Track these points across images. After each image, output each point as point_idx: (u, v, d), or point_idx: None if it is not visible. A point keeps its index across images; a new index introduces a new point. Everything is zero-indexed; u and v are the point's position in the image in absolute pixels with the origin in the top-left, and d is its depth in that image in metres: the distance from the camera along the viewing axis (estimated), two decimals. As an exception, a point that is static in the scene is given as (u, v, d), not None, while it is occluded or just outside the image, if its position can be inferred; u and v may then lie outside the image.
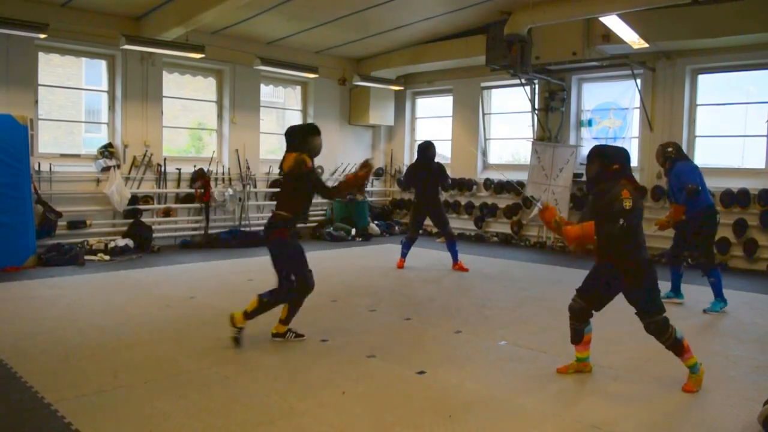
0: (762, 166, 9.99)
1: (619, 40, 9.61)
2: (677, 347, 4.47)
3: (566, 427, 3.82)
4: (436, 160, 9.44)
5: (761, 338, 5.92)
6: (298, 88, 13.78)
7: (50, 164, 9.78)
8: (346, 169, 14.22)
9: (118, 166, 10.39)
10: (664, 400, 4.33)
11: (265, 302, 5.33)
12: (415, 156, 9.56)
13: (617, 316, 6.65)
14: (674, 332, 4.47)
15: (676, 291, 7.42)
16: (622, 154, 4.60)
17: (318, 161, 13.74)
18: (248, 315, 5.28)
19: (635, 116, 11.24)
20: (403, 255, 9.51)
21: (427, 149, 9.33)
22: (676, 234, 7.35)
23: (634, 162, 11.16)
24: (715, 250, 7.35)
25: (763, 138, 9.97)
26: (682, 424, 3.90)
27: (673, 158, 7.07)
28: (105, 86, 10.83)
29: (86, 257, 9.34)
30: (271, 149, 13.78)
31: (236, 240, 11.34)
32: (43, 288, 7.52)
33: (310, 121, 13.74)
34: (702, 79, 10.63)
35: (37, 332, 5.60)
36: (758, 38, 9.39)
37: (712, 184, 10.12)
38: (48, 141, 10.41)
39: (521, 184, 12.34)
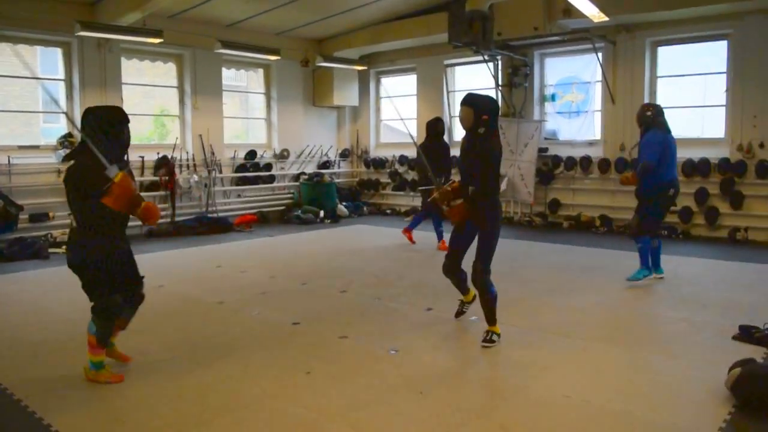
0: (721, 135, 10.18)
1: (580, 15, 9.67)
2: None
3: (537, 397, 3.88)
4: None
5: (724, 304, 6.07)
6: (261, 70, 13.63)
7: (8, 157, 9.55)
8: (312, 151, 14.17)
9: (79, 156, 10.18)
10: (631, 367, 4.43)
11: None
12: (424, 135, 9.30)
13: (585, 287, 6.78)
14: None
15: (655, 266, 7.05)
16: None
17: (283, 144, 13.71)
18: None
19: (597, 89, 11.36)
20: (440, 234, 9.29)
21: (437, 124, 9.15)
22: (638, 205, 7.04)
23: (596, 136, 11.38)
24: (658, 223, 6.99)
25: (722, 108, 10.15)
26: (650, 391, 3.98)
27: (649, 124, 6.73)
28: (62, 75, 10.58)
29: (50, 250, 9.17)
30: (236, 134, 13.65)
31: (203, 227, 11.24)
32: (7, 283, 7.37)
33: (273, 103, 13.64)
34: (661, 51, 10.77)
35: (2, 328, 5.50)
36: (715, 9, 9.52)
37: (674, 154, 10.35)
38: (5, 133, 10.16)
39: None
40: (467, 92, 4.92)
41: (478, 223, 4.90)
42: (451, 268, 5.25)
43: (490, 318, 4.91)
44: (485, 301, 4.88)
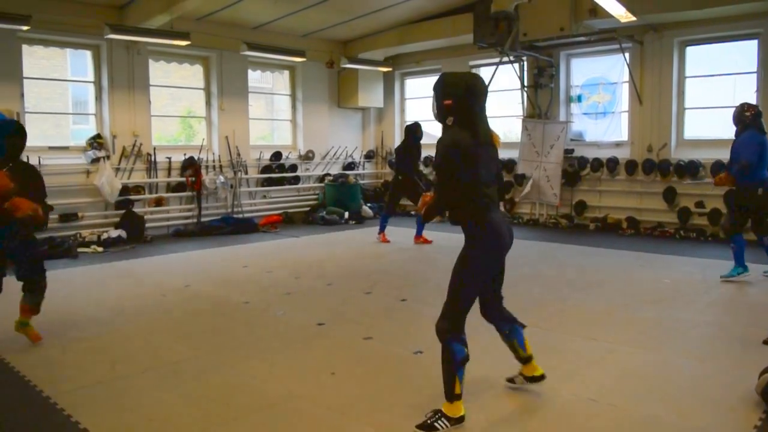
0: (752, 136, 10.01)
1: (607, 15, 9.57)
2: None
3: (563, 401, 3.85)
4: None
5: (753, 307, 5.98)
6: (286, 72, 13.70)
7: (39, 157, 9.70)
8: (336, 152, 14.20)
9: (108, 157, 10.34)
10: (659, 372, 4.37)
11: None
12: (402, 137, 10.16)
13: (611, 289, 6.71)
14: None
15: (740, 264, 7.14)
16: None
17: (308, 145, 13.76)
18: None
19: (624, 90, 11.24)
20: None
21: (416, 130, 9.86)
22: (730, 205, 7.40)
23: (623, 137, 11.25)
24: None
25: (752, 108, 9.98)
26: (678, 395, 3.93)
27: (746, 124, 6.87)
28: (91, 77, 10.74)
29: (79, 249, 9.30)
30: (261, 135, 13.74)
31: (229, 227, 11.32)
32: (37, 282, 7.48)
33: (298, 105, 13.71)
34: (690, 51, 10.62)
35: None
36: (744, 8, 9.37)
37: (703, 155, 10.24)
38: (36, 134, 10.32)
39: (512, 161, 12.37)
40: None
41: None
42: (484, 312, 3.92)
43: (447, 391, 3.49)
44: (443, 363, 3.51)
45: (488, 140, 3.53)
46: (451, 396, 3.48)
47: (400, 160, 9.90)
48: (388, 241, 10.09)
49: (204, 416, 3.68)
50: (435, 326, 3.54)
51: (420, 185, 9.71)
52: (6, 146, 4.78)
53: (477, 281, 3.56)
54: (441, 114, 3.50)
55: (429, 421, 3.47)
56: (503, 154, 12.50)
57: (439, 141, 3.45)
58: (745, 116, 6.90)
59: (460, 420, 3.48)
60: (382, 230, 10.24)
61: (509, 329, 3.90)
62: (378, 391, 4.03)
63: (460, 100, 3.43)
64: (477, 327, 4.81)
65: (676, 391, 4.01)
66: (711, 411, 3.73)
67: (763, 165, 6.81)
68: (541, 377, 3.92)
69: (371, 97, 14.36)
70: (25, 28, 9.06)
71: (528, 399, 3.92)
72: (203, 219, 11.54)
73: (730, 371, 4.31)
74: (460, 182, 3.38)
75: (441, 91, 3.50)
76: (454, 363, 3.45)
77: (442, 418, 3.47)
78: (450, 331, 3.49)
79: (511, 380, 4.03)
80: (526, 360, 3.93)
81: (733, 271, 7.07)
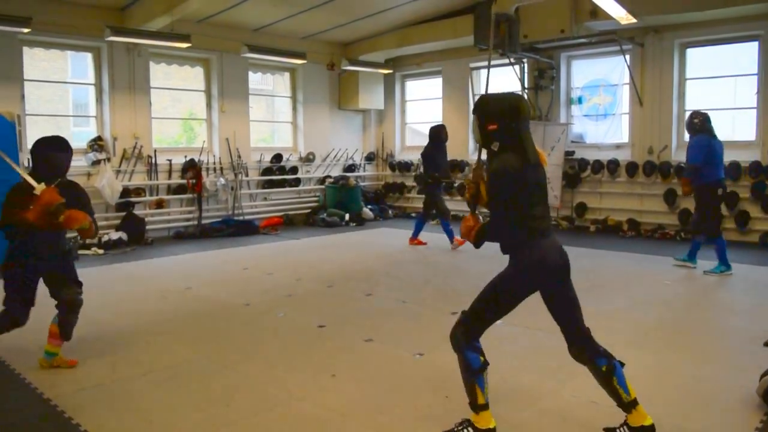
0: (752, 138, 10.02)
1: (607, 16, 9.58)
2: None
3: (564, 403, 3.85)
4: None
5: (755, 309, 5.97)
6: (287, 74, 13.71)
7: (40, 159, 9.71)
8: (337, 154, 14.21)
9: (108, 159, 10.34)
10: (660, 373, 4.37)
11: None
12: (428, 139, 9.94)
13: (612, 292, 6.71)
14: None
15: (691, 256, 7.93)
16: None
17: (308, 147, 13.77)
18: None
19: (625, 92, 11.25)
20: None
21: (441, 132, 9.90)
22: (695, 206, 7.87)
23: (624, 139, 11.25)
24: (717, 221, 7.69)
25: (752, 110, 9.99)
26: (679, 397, 3.93)
27: (696, 129, 7.55)
28: (91, 79, 10.74)
29: (80, 252, 9.30)
30: (262, 137, 13.75)
31: (230, 229, 11.32)
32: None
33: (299, 107, 13.72)
34: (690, 52, 10.63)
35: (32, 329, 5.56)
36: (746, 10, 9.38)
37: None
38: (36, 136, 10.22)
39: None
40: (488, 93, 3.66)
41: None
42: (571, 351, 3.53)
43: (471, 401, 3.38)
44: (462, 373, 3.41)
45: (537, 161, 3.34)
46: (476, 407, 3.35)
47: (428, 165, 9.74)
48: (425, 243, 10.04)
49: (205, 418, 3.68)
50: (452, 332, 3.42)
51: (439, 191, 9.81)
52: (54, 163, 4.74)
53: (504, 300, 3.37)
54: (486, 139, 3.33)
55: (456, 430, 3.40)
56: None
57: (493, 164, 3.26)
58: (695, 123, 7.58)
59: None
60: (451, 236, 9.62)
61: (606, 366, 3.38)
62: (378, 393, 4.03)
63: (506, 123, 3.28)
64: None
65: (677, 392, 4.01)
66: (712, 413, 3.73)
67: (716, 165, 7.42)
68: (651, 428, 3.28)
69: (372, 98, 14.36)
70: (25, 30, 9.06)
71: (528, 400, 3.91)
72: (204, 221, 11.54)
73: (731, 373, 4.30)
74: (510, 210, 3.22)
75: (484, 115, 3.33)
76: (471, 372, 3.34)
77: (469, 428, 3.38)
78: (462, 339, 3.36)
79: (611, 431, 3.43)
80: (629, 405, 3.33)
81: (716, 269, 7.57)
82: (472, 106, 13.09)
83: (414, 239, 10.10)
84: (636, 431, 3.29)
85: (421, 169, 13.84)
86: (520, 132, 3.30)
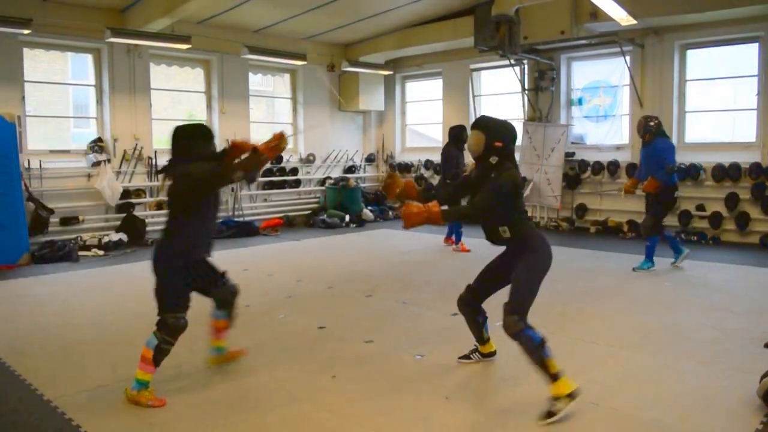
0: (752, 139, 10.02)
1: (607, 18, 9.58)
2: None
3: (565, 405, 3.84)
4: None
5: (755, 311, 5.97)
6: (287, 75, 13.72)
7: (40, 161, 9.72)
8: (337, 155, 14.21)
9: (109, 161, 10.35)
10: (660, 375, 4.36)
11: None
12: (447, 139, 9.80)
13: (612, 293, 6.71)
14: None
15: (677, 251, 7.98)
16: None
17: (309, 148, 13.76)
18: None
19: (625, 93, 11.25)
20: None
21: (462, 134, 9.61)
22: (648, 205, 8.04)
23: (624, 140, 11.26)
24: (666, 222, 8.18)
25: (752, 111, 9.99)
26: (679, 399, 3.93)
27: (654, 132, 7.66)
28: (92, 80, 10.75)
29: (80, 253, 9.31)
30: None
31: (230, 230, 11.32)
32: (38, 285, 7.50)
33: (299, 108, 13.72)
34: (691, 54, 10.63)
35: (34, 330, 5.59)
36: (746, 11, 9.37)
37: (704, 158, 10.27)
38: (37, 137, 10.33)
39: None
40: (485, 111, 4.27)
41: (516, 260, 4.05)
42: (465, 301, 4.45)
43: (546, 375, 3.72)
44: (528, 354, 3.79)
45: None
46: (552, 377, 3.69)
47: (447, 165, 9.57)
48: (469, 251, 9.51)
49: (205, 420, 3.68)
50: (503, 325, 3.82)
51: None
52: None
53: (541, 280, 4.01)
54: (487, 152, 3.99)
55: (549, 410, 3.64)
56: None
57: (498, 175, 3.90)
58: (650, 126, 7.71)
59: (574, 394, 3.66)
60: (459, 239, 9.69)
61: (483, 319, 4.51)
62: (379, 394, 4.03)
63: (508, 143, 4.03)
64: (471, 335, 4.82)
65: (677, 394, 4.01)
66: (712, 414, 3.72)
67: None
68: (494, 353, 4.59)
69: (372, 100, 14.36)
70: (26, 31, 9.08)
71: (528, 401, 3.91)
72: (204, 222, 11.52)
73: (732, 375, 4.30)
74: (515, 208, 3.99)
75: (492, 133, 4.00)
76: (535, 347, 3.72)
77: (557, 400, 3.65)
78: (520, 321, 3.79)
79: (466, 357, 4.60)
80: (486, 341, 4.58)
81: (644, 265, 7.86)
82: (472, 108, 13.16)
83: (448, 238, 9.98)
84: (485, 356, 4.59)
85: (422, 171, 13.92)
86: (512, 152, 4.09)
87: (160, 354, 3.96)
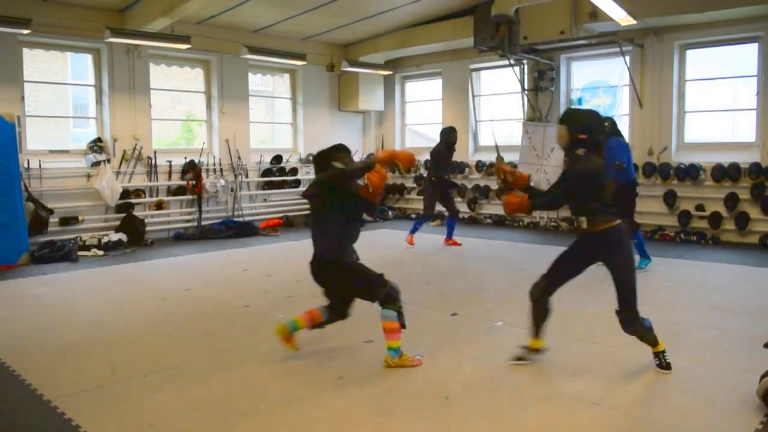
0: (752, 139, 10.02)
1: (607, 18, 9.58)
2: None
3: (565, 404, 3.85)
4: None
5: (755, 311, 5.97)
6: (287, 75, 13.72)
7: (39, 161, 9.72)
8: (337, 155, 14.17)
9: (108, 161, 10.34)
10: (660, 375, 4.36)
11: None
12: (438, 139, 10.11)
13: (612, 293, 6.70)
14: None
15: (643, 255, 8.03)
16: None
17: (308, 148, 13.74)
18: None
19: (625, 93, 11.24)
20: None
21: (452, 134, 10.02)
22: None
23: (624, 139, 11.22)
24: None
25: (752, 111, 9.99)
26: (679, 399, 3.93)
27: (608, 133, 7.72)
28: (92, 80, 10.75)
29: (80, 253, 9.30)
30: (262, 139, 13.74)
31: (230, 230, 11.32)
32: (38, 285, 7.50)
33: (299, 108, 13.71)
34: (690, 54, 10.63)
35: (33, 330, 5.59)
36: (746, 11, 9.38)
37: (704, 158, 10.25)
38: (36, 137, 10.33)
39: (513, 165, 12.37)
40: (566, 113, 4.45)
41: (599, 256, 4.33)
42: (543, 289, 4.51)
43: (652, 342, 4.37)
44: (647, 340, 4.34)
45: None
46: (656, 343, 4.36)
47: (436, 165, 9.87)
48: (413, 245, 10.00)
49: (205, 420, 3.68)
50: (623, 324, 4.25)
51: (450, 190, 10.04)
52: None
53: (633, 267, 4.30)
54: (573, 144, 4.16)
55: (662, 363, 4.31)
56: (504, 158, 12.60)
57: (581, 164, 4.11)
58: (604, 126, 7.60)
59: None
60: (413, 232, 10.11)
61: (549, 312, 4.56)
62: (378, 394, 4.03)
63: (596, 133, 4.16)
64: (478, 333, 4.82)
65: (676, 394, 4.01)
66: (712, 414, 3.72)
67: (631, 166, 7.86)
68: (544, 349, 4.58)
69: (372, 100, 14.36)
70: (25, 31, 9.08)
71: (528, 402, 3.91)
72: (204, 222, 11.54)
73: (731, 374, 4.30)
74: (589, 197, 4.12)
75: (575, 125, 4.16)
76: (649, 330, 4.30)
77: (662, 355, 4.35)
78: (636, 318, 4.24)
79: (520, 359, 4.53)
80: (540, 335, 4.55)
81: (642, 264, 7.85)
82: (472, 108, 13.16)
83: (449, 239, 10.15)
84: (536, 352, 4.54)
85: (422, 171, 13.92)
86: (600, 142, 4.20)
87: (402, 317, 4.48)
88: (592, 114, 4.32)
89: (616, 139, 7.86)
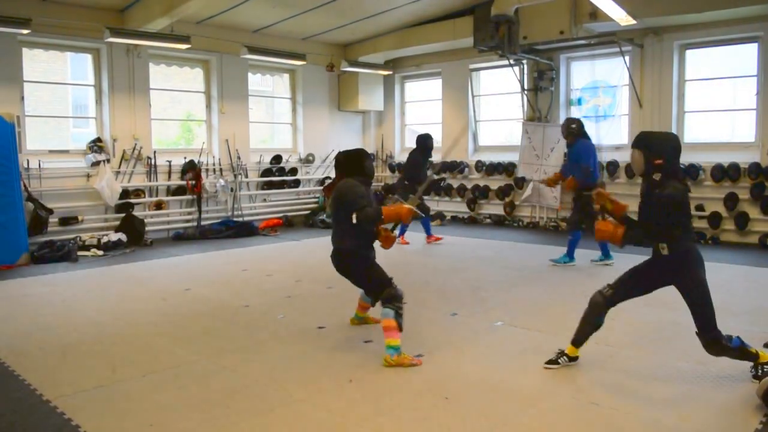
0: (752, 139, 10.02)
1: (607, 18, 9.58)
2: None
3: (565, 404, 3.85)
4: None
5: (754, 311, 5.97)
6: (286, 75, 13.71)
7: (39, 161, 9.72)
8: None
9: (108, 161, 10.34)
10: (659, 374, 4.37)
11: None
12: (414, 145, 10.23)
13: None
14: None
15: (605, 254, 8.36)
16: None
17: (308, 148, 13.75)
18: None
19: (624, 93, 11.24)
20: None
21: (428, 142, 10.16)
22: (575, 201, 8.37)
23: (623, 140, 11.26)
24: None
25: (752, 111, 9.99)
26: (678, 398, 3.93)
27: (575, 134, 8.07)
28: (91, 80, 10.75)
29: (79, 253, 9.30)
30: (261, 138, 13.74)
31: (229, 230, 11.32)
32: (38, 285, 7.49)
33: (298, 108, 13.72)
34: (690, 54, 10.63)
35: (33, 330, 5.59)
36: (745, 11, 9.38)
37: (703, 158, 10.26)
38: (36, 137, 10.33)
39: (512, 165, 12.38)
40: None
41: (671, 279, 4.18)
42: (608, 299, 4.34)
43: (750, 359, 4.16)
44: (743, 359, 4.14)
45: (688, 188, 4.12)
46: (755, 356, 4.13)
47: (410, 168, 10.03)
48: (408, 243, 10.18)
49: (205, 420, 3.68)
50: (706, 346, 4.05)
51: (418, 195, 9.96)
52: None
53: (706, 286, 4.10)
54: (650, 169, 4.04)
55: (756, 373, 4.11)
56: (504, 157, 12.62)
57: (664, 190, 3.94)
58: (572, 129, 8.12)
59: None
60: (404, 232, 10.25)
61: (601, 324, 4.43)
62: (378, 395, 4.02)
63: (670, 158, 3.99)
64: (477, 333, 4.81)
65: (676, 394, 4.01)
66: (711, 414, 3.73)
67: (596, 167, 8.15)
68: (578, 358, 4.55)
69: (371, 100, 14.36)
70: (25, 31, 9.06)
71: (528, 402, 3.91)
72: (203, 222, 11.54)
73: (731, 374, 4.30)
74: (671, 223, 3.98)
75: (650, 150, 4.02)
76: (738, 348, 4.05)
77: (761, 366, 4.13)
78: (722, 340, 4.02)
79: (553, 362, 4.50)
80: (581, 344, 4.51)
81: (562, 259, 8.31)
82: (472, 108, 13.15)
83: (430, 237, 10.36)
84: (572, 360, 4.49)
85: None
86: (678, 166, 4.08)
87: (400, 318, 4.63)
88: (669, 137, 4.17)
89: (584, 141, 8.11)
